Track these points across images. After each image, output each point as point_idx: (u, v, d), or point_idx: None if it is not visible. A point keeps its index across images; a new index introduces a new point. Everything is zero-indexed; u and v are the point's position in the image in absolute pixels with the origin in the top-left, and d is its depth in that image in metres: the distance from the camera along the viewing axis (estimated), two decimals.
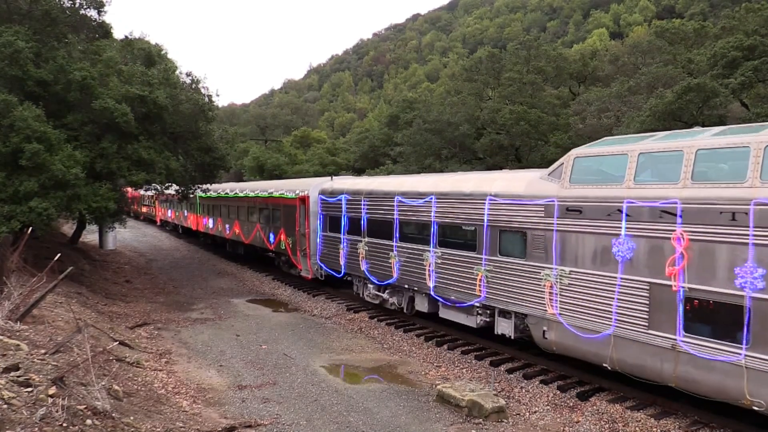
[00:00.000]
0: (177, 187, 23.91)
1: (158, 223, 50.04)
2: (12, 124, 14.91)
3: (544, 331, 11.31)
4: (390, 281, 16.05)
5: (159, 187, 22.61)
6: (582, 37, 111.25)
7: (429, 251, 14.28)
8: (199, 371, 12.47)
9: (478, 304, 13.08)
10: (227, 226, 29.56)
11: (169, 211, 43.56)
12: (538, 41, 46.98)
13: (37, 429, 5.99)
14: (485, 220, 12.64)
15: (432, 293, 14.31)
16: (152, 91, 18.11)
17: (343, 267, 18.30)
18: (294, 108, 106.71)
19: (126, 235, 38.94)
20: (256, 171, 54.09)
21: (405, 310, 16.28)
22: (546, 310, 11.16)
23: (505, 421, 9.93)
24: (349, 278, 18.85)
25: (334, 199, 18.55)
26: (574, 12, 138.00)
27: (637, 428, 9.48)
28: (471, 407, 10.05)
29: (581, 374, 11.72)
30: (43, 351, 8.88)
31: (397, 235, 15.51)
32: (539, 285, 11.26)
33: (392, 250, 15.73)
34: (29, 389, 6.87)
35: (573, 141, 31.22)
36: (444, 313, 14.47)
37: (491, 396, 10.36)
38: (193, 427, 8.63)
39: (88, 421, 6.67)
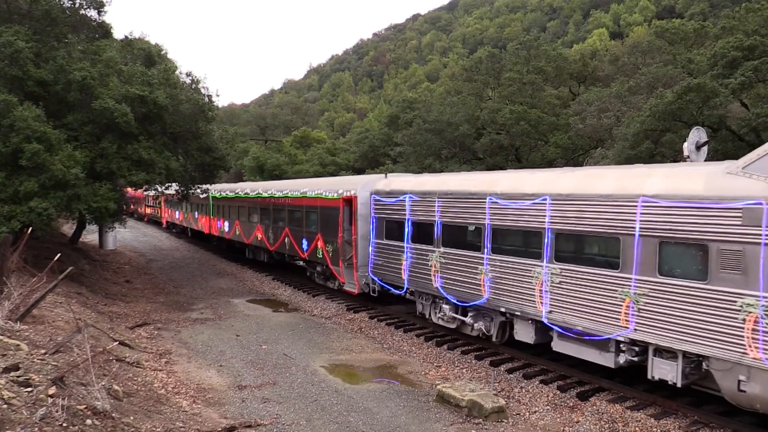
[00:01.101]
0: (177, 187, 23.92)
1: (164, 225, 47.76)
2: (12, 124, 14.91)
3: (740, 382, 8.45)
4: (478, 302, 13.01)
5: (159, 188, 22.61)
6: (582, 37, 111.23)
7: (541, 267, 11.38)
8: (199, 371, 12.47)
9: (622, 338, 10.11)
10: (247, 230, 26.84)
11: (177, 212, 41.12)
12: (538, 41, 46.99)
13: (37, 429, 5.99)
14: (636, 229, 9.77)
15: (544, 320, 11.36)
16: (152, 91, 18.11)
17: (405, 282, 15.45)
18: (294, 108, 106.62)
19: (126, 235, 38.93)
20: (256, 171, 54.07)
21: (494, 339, 13.34)
22: (745, 353, 8.30)
23: (505, 421, 9.93)
24: (411, 296, 16.01)
25: (394, 200, 15.79)
26: (574, 12, 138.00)
27: (637, 428, 9.48)
28: (471, 407, 10.05)
29: (581, 374, 11.72)
30: (43, 351, 8.88)
31: (489, 246, 12.57)
32: (733, 318, 8.40)
33: (481, 264, 12.79)
34: (29, 389, 6.87)
35: (573, 141, 31.29)
36: (561, 346, 11.44)
37: (491, 396, 10.36)
38: (193, 427, 8.63)
39: (88, 421, 6.67)
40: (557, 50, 45.34)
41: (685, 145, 12.02)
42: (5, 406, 6.23)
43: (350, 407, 10.47)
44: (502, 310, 12.52)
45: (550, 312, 11.27)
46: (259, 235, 25.43)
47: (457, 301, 13.76)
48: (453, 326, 14.40)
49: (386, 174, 17.91)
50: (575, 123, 29.62)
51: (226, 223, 29.88)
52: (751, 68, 21.92)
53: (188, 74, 22.68)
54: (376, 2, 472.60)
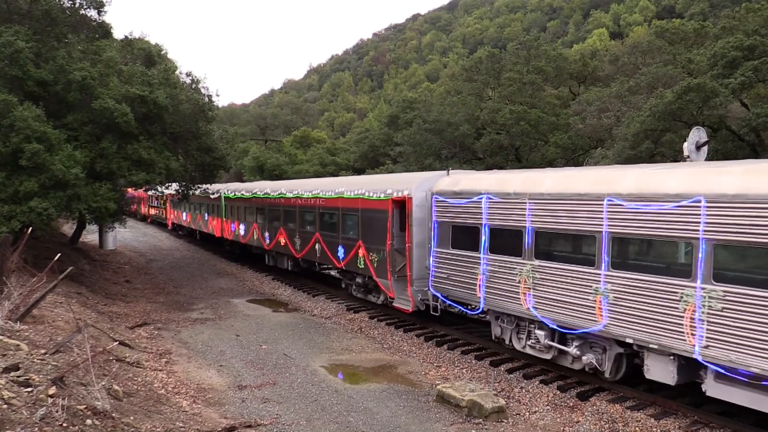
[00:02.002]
0: (177, 187, 23.93)
1: (170, 228, 45.18)
2: (12, 124, 14.92)
3: None
4: (590, 329, 10.50)
5: (159, 188, 22.61)
6: (582, 37, 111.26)
7: (692, 289, 8.87)
8: (199, 371, 12.47)
9: None
10: (268, 234, 24.34)
11: (184, 213, 38.65)
12: (538, 41, 47.02)
13: (37, 429, 5.99)
14: None
15: (697, 356, 8.88)
16: (152, 91, 18.12)
17: (480, 300, 12.89)
18: (294, 108, 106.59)
19: (126, 235, 38.93)
20: (256, 171, 54.09)
21: (607, 374, 10.86)
22: None
23: (505, 421, 9.93)
24: (485, 316, 13.76)
25: (464, 202, 13.28)
26: (574, 12, 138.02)
27: (637, 428, 9.48)
28: (471, 407, 10.05)
29: (581, 374, 11.71)
30: (43, 351, 8.88)
31: (607, 259, 10.12)
32: None
33: (596, 282, 10.31)
34: (29, 389, 6.87)
35: (573, 141, 31.31)
36: (720, 391, 8.91)
37: (491, 396, 10.36)
38: (193, 427, 8.63)
39: (88, 421, 6.67)
40: (557, 50, 45.41)
41: (685, 145, 12.04)
42: (5, 406, 6.23)
43: (350, 407, 10.47)
44: (629, 341, 9.86)
45: (707, 347, 8.71)
46: (282, 240, 22.81)
47: (557, 326, 11.15)
48: (547, 356, 11.79)
49: (448, 171, 15.22)
50: (575, 123, 29.64)
51: (242, 226, 27.40)
52: (751, 68, 21.93)
53: (188, 74, 22.74)
54: (376, 2, 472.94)
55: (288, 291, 22.05)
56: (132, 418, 7.84)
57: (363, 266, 17.16)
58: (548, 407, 10.55)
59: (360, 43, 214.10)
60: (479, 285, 12.99)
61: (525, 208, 11.81)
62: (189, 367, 12.71)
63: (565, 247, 11.49)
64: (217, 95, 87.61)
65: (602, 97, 29.21)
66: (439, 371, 12.70)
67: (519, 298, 11.93)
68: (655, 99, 22.46)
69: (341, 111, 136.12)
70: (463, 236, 13.49)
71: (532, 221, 11.67)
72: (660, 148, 22.88)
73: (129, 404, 8.61)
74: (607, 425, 9.67)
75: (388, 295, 16.25)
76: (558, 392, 11.12)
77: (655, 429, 9.44)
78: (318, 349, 14.31)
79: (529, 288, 11.65)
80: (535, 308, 11.58)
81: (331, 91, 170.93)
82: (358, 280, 18.26)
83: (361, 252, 17.21)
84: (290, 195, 22.12)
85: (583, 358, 11.07)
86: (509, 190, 12.27)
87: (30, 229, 14.40)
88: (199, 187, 25.14)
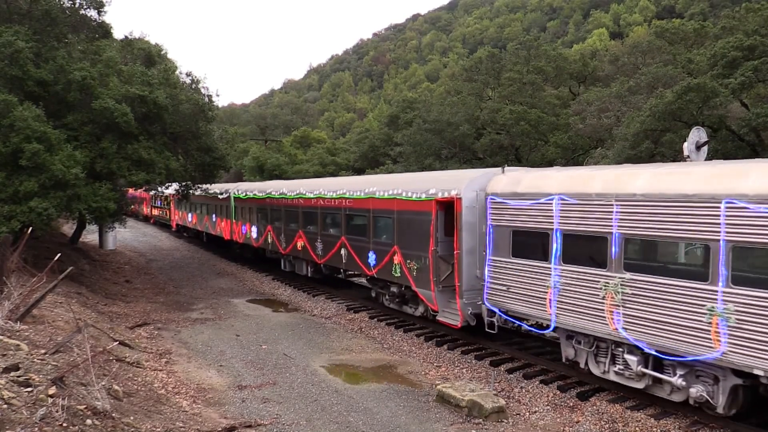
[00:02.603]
0: (177, 187, 23.94)
1: (174, 229, 43.57)
2: (12, 124, 14.92)
3: None
4: (702, 357, 8.80)
5: (159, 188, 22.61)
6: (582, 37, 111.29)
7: None
8: (199, 371, 12.47)
9: None
10: (284, 237, 22.59)
11: (190, 214, 36.85)
12: (538, 41, 47.08)
13: (37, 429, 5.99)
14: None
15: None
16: (152, 91, 18.13)
17: (551, 317, 11.19)
18: (294, 108, 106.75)
19: (126, 235, 38.94)
20: (256, 171, 54.12)
21: (720, 409, 9.06)
22: None
23: (505, 421, 9.93)
24: (555, 335, 12.12)
25: (529, 204, 11.61)
26: (574, 12, 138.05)
27: (637, 428, 9.48)
28: (471, 407, 10.05)
29: (581, 374, 11.71)
30: (43, 351, 8.88)
31: (725, 273, 8.44)
32: None
33: (711, 301, 8.60)
34: (29, 389, 6.87)
35: (573, 141, 31.32)
36: None
37: (491, 396, 10.36)
38: (193, 427, 8.64)
39: (88, 421, 6.68)
40: (557, 50, 45.44)
41: (685, 145, 12.02)
42: (5, 406, 6.23)
43: (350, 407, 10.47)
44: (757, 372, 8.17)
45: None
46: (301, 244, 21.06)
47: (655, 351, 9.52)
48: (638, 385, 10.11)
49: (503, 168, 13.41)
50: (575, 123, 29.65)
51: (254, 229, 25.69)
52: (751, 68, 21.94)
53: (188, 74, 22.75)
54: (376, 2, 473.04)
55: (288, 291, 22.05)
56: (132, 418, 7.84)
57: (399, 274, 15.42)
58: (548, 407, 10.55)
59: (360, 43, 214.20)
60: (549, 300, 11.22)
61: (611, 212, 10.03)
62: (189, 367, 12.71)
63: (666, 257, 9.91)
64: (217, 95, 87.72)
65: (602, 97, 29.22)
66: (439, 371, 12.70)
67: (603, 317, 10.12)
68: (655, 99, 22.47)
69: (341, 111, 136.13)
70: (528, 243, 11.81)
71: (620, 227, 9.88)
72: (660, 148, 22.89)
73: (129, 404, 8.62)
74: (607, 425, 9.67)
75: (430, 308, 14.50)
76: (558, 392, 11.12)
77: (655, 429, 9.44)
78: (318, 349, 14.31)
79: (617, 305, 9.87)
80: (626, 329, 9.77)
81: (331, 91, 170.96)
82: (393, 289, 16.42)
83: (396, 259, 15.48)
84: (311, 195, 20.31)
85: (691, 390, 9.26)
86: (589, 191, 10.52)
87: (30, 229, 14.41)
88: (199, 187, 25.11)
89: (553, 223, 11.15)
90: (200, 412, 9.85)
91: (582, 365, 11.21)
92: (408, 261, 15.02)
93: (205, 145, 21.83)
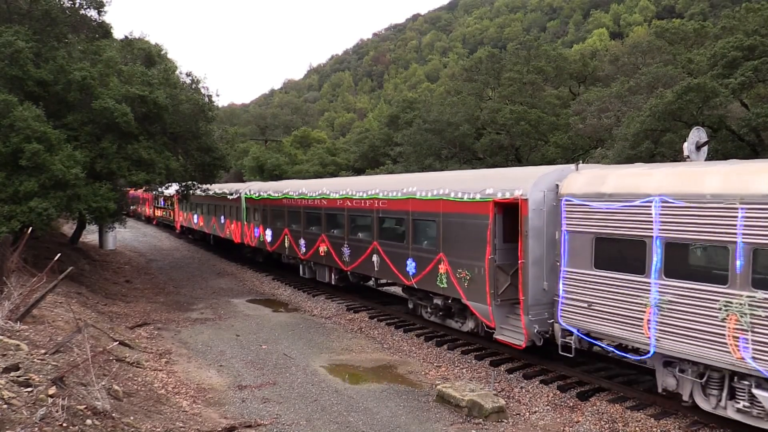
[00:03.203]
0: (177, 187, 23.93)
1: (178, 231, 41.52)
2: (12, 124, 14.93)
3: None
4: None
5: (159, 188, 22.60)
6: (582, 37, 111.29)
7: None
8: (199, 371, 12.47)
9: None
10: (304, 242, 20.94)
11: (195, 215, 35.25)
12: (538, 41, 47.14)
13: (37, 429, 5.99)
14: None
15: None
16: (152, 91, 18.13)
17: (651, 341, 9.49)
18: (294, 108, 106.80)
19: (126, 235, 38.94)
20: (256, 171, 54.13)
21: None
22: None
23: (505, 421, 9.93)
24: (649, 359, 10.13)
25: (618, 206, 10.03)
26: (574, 12, 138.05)
27: (637, 428, 9.48)
28: (471, 407, 10.05)
29: (581, 374, 11.71)
30: (43, 351, 8.88)
31: None
32: None
33: None
34: (29, 389, 6.87)
35: (573, 141, 31.32)
36: None
37: (491, 396, 10.36)
38: (193, 427, 8.64)
39: (88, 421, 6.68)
40: (557, 50, 45.44)
41: (685, 145, 12.02)
42: (5, 406, 6.23)
43: (350, 407, 10.47)
44: None
45: None
46: (324, 249, 19.42)
47: None
48: None
49: (577, 165, 11.94)
50: (575, 123, 29.64)
51: (268, 232, 24.12)
52: (751, 68, 21.93)
53: (188, 74, 22.75)
54: (376, 2, 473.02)
55: (288, 291, 22.05)
56: (132, 418, 7.84)
57: (445, 285, 13.75)
58: (548, 407, 10.55)
59: (360, 43, 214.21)
60: (648, 321, 9.51)
61: (734, 216, 8.37)
62: (189, 367, 12.71)
63: None
64: (217, 95, 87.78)
65: (602, 97, 29.21)
66: (439, 371, 12.70)
67: (724, 343, 8.47)
68: (655, 99, 22.47)
69: (341, 111, 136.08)
70: (616, 253, 10.21)
71: (746, 234, 8.22)
72: (660, 148, 22.87)
73: (129, 404, 8.62)
74: (607, 425, 9.67)
75: (485, 323, 12.85)
76: (558, 392, 11.11)
77: (655, 429, 9.44)
78: (318, 349, 14.31)
79: (744, 330, 8.21)
80: (756, 359, 8.09)
81: (331, 91, 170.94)
82: (437, 301, 14.71)
83: (442, 267, 13.81)
84: (336, 196, 18.59)
85: None
86: (703, 191, 8.84)
87: (30, 229, 14.41)
88: (199, 187, 25.09)
89: (651, 229, 9.47)
90: (200, 412, 9.85)
91: (685, 398, 9.51)
92: (457, 270, 13.30)
93: (205, 145, 21.84)
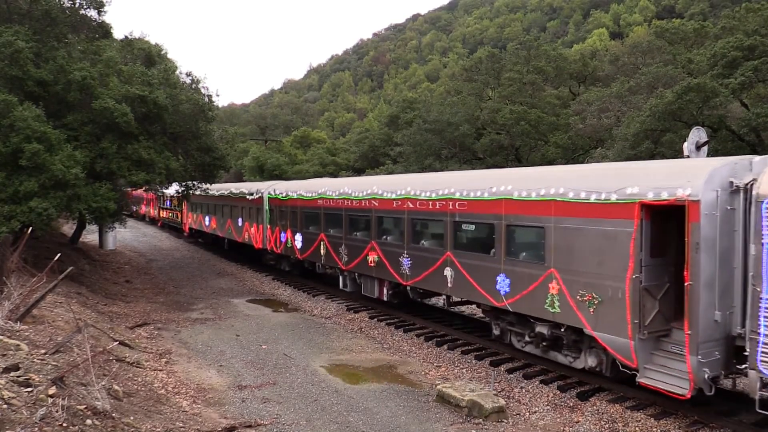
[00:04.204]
0: (177, 187, 23.93)
1: (186, 234, 39.23)
2: (12, 124, 14.92)
3: None
4: None
5: (159, 188, 22.59)
6: (582, 37, 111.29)
7: None
8: (199, 371, 12.47)
9: None
10: (346, 250, 18.24)
11: (207, 217, 32.49)
12: (538, 41, 47.15)
13: (37, 429, 5.99)
14: None
15: None
16: (152, 91, 18.13)
17: None
18: (294, 108, 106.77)
19: (126, 235, 38.94)
20: (256, 171, 54.14)
21: None
22: None
23: (505, 421, 9.93)
24: None
25: None
26: (574, 12, 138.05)
27: (637, 428, 9.48)
28: (471, 407, 10.05)
29: (581, 374, 11.71)
30: (43, 351, 8.88)
31: None
32: None
33: None
34: (29, 389, 6.87)
35: (573, 141, 31.32)
36: None
37: (491, 396, 10.36)
38: (193, 427, 8.64)
39: (88, 421, 6.68)
40: (557, 50, 45.45)
41: (685, 145, 12.02)
42: (5, 406, 6.23)
43: (350, 407, 10.47)
44: None
45: None
46: (374, 259, 16.83)
47: None
48: None
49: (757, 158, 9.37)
50: (575, 123, 29.66)
51: (298, 237, 21.50)
52: (751, 68, 21.95)
53: (188, 74, 22.73)
54: (376, 2, 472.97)
55: (288, 291, 22.05)
56: (132, 418, 7.84)
57: (557, 310, 11.00)
58: (548, 407, 10.55)
59: (360, 43, 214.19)
60: None
61: None
62: (189, 367, 12.71)
63: None
64: (217, 95, 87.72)
65: (602, 97, 29.24)
66: (439, 371, 12.70)
67: None
68: (655, 99, 22.48)
69: (341, 111, 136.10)
70: None
71: None
72: (660, 148, 22.89)
73: (129, 404, 8.62)
74: (607, 425, 9.67)
75: (621, 361, 9.98)
76: (558, 392, 11.12)
77: (655, 429, 9.44)
78: (318, 349, 14.31)
79: None
80: None
81: (331, 91, 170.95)
82: (540, 329, 11.76)
83: (553, 287, 11.06)
84: (391, 196, 15.95)
85: None
86: None
87: (30, 229, 14.41)
88: (199, 187, 25.05)
89: None
90: (200, 412, 9.85)
91: None
92: (577, 291, 10.51)
93: (205, 145, 21.83)
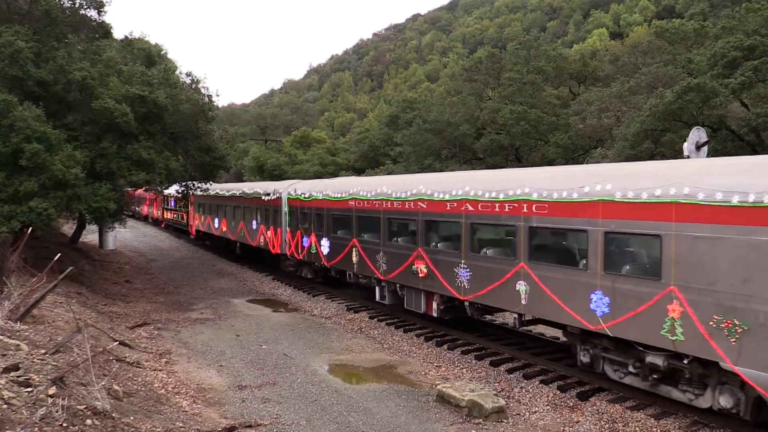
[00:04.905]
0: (177, 187, 23.93)
1: (193, 237, 37.00)
2: (12, 124, 14.93)
3: None
4: None
5: (159, 187, 22.59)
6: (582, 37, 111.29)
7: None
8: (199, 371, 12.47)
9: None
10: (384, 257, 16.25)
11: (216, 219, 30.49)
12: (538, 41, 47.18)
13: (37, 429, 5.99)
14: None
15: None
16: (152, 91, 18.13)
17: None
18: (294, 108, 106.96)
19: (126, 235, 38.94)
20: (256, 171, 54.15)
21: None
22: None
23: (505, 421, 9.93)
24: None
25: None
26: (574, 12, 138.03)
27: (637, 428, 9.48)
28: (471, 407, 10.05)
29: (581, 374, 11.71)
30: (43, 351, 8.89)
31: None
32: None
33: None
34: (29, 389, 6.88)
35: (573, 141, 31.32)
36: None
37: (491, 396, 10.36)
38: (193, 427, 8.64)
39: (88, 421, 6.68)
40: (557, 50, 45.45)
41: (685, 145, 12.04)
42: (5, 406, 6.23)
43: (350, 407, 10.47)
44: None
45: None
46: (423, 269, 14.62)
47: None
48: None
49: None
50: (575, 123, 29.66)
51: (325, 243, 19.41)
52: (751, 68, 21.92)
53: (188, 74, 22.76)
54: (376, 2, 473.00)
55: (288, 291, 22.04)
56: (132, 418, 7.84)
57: (680, 337, 8.91)
58: (548, 407, 10.55)
59: (360, 43, 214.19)
60: None
61: None
62: (189, 367, 12.71)
63: None
64: (217, 95, 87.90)
65: (602, 97, 29.22)
66: (439, 371, 12.70)
67: None
68: (655, 99, 22.47)
69: (341, 111, 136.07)
70: None
71: None
72: (660, 148, 22.87)
73: (129, 404, 8.62)
74: (607, 425, 9.67)
75: None
76: (558, 392, 11.12)
77: (655, 429, 9.44)
78: (318, 349, 14.31)
79: None
80: None
81: (331, 91, 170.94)
82: (652, 359, 9.70)
83: (673, 309, 9.02)
84: (444, 198, 13.92)
85: None
86: None
87: (30, 229, 14.41)
88: (199, 187, 25.03)
89: None
90: (200, 412, 9.85)
91: None
92: (711, 316, 8.51)
93: (205, 145, 21.84)
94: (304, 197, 21.03)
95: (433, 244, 14.56)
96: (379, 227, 16.59)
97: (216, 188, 30.14)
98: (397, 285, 16.14)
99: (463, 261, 13.38)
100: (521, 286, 11.82)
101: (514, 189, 12.07)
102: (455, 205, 13.57)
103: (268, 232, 23.92)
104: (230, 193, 28.26)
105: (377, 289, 17.17)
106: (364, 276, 17.81)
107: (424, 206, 14.66)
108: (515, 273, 11.95)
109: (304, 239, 20.97)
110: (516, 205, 11.94)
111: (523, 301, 11.80)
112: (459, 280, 13.49)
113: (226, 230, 29.11)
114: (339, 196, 18.73)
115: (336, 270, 19.48)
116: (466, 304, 13.56)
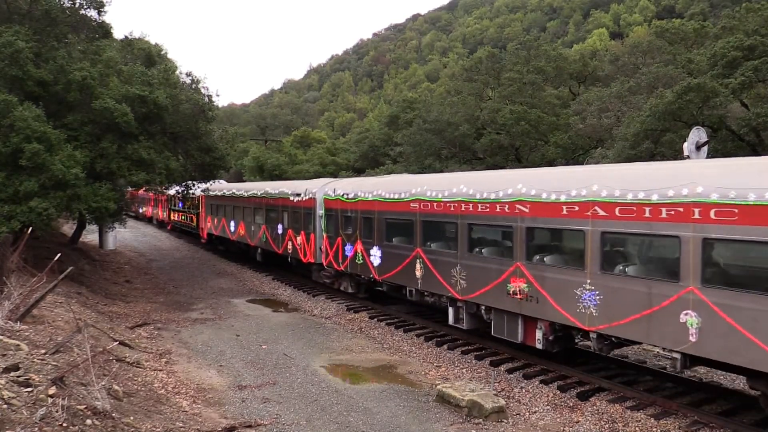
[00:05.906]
0: (177, 187, 23.92)
1: (204, 240, 33.92)
2: (12, 124, 14.93)
3: None
4: None
5: (158, 187, 22.59)
6: (582, 37, 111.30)
7: None
8: (199, 371, 12.47)
9: None
10: (463, 271, 13.38)
11: (232, 222, 27.77)
12: (538, 41, 47.03)
13: (37, 429, 5.99)
14: None
15: None
16: (152, 91, 18.14)
17: None
18: (294, 108, 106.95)
19: (126, 235, 38.94)
20: (256, 171, 54.16)
21: None
22: None
23: (505, 421, 9.93)
24: None
25: None
26: (574, 12, 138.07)
27: (637, 428, 9.48)
28: (471, 407, 10.05)
29: (581, 374, 11.71)
30: (43, 351, 8.88)
31: None
32: None
33: None
34: (29, 389, 6.87)
35: (573, 141, 31.30)
36: None
37: (491, 396, 10.36)
38: (193, 427, 8.64)
39: (88, 421, 6.68)
40: (557, 50, 45.39)
41: (686, 145, 12.04)
42: (5, 406, 6.23)
43: (350, 407, 10.47)
44: None
45: None
46: (522, 289, 11.80)
47: None
48: None
49: None
50: (575, 123, 29.64)
51: (375, 252, 16.77)
52: (751, 68, 21.92)
53: (188, 74, 22.77)
54: (376, 2, 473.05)
55: (288, 291, 22.04)
56: (132, 418, 7.84)
57: None
58: (548, 407, 10.55)
59: (360, 43, 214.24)
60: None
61: None
62: (189, 367, 12.71)
63: None
64: (217, 95, 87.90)
65: (602, 97, 29.19)
66: (439, 371, 12.70)
67: None
68: (655, 99, 22.46)
69: (341, 111, 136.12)
70: None
71: None
72: (660, 148, 22.86)
73: (129, 404, 8.62)
74: (607, 425, 9.67)
75: None
76: (558, 392, 11.12)
77: (655, 429, 9.44)
78: (318, 349, 14.31)
79: None
80: None
81: (331, 91, 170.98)
82: None
83: None
84: (560, 199, 10.94)
85: None
86: None
87: (30, 229, 14.41)
88: (198, 187, 24.98)
89: None
90: (200, 412, 9.85)
91: None
92: None
93: (205, 145, 21.84)
94: (347, 198, 18.11)
95: (539, 257, 11.68)
96: (455, 235, 13.70)
97: (233, 188, 28.54)
98: (482, 307, 13.17)
99: (588, 281, 10.44)
100: (690, 318, 8.72)
101: (684, 187, 8.83)
102: (577, 208, 10.61)
103: (298, 238, 21.21)
104: (250, 193, 25.72)
105: (450, 311, 14.14)
106: (431, 294, 15.15)
107: (526, 210, 11.69)
108: (679, 299, 8.85)
109: (347, 247, 18.17)
110: (682, 209, 8.83)
111: (692, 338, 8.69)
112: (582, 305, 10.56)
113: (245, 234, 26.38)
114: (395, 197, 15.91)
115: (389, 284, 16.72)
116: (593, 335, 10.63)
